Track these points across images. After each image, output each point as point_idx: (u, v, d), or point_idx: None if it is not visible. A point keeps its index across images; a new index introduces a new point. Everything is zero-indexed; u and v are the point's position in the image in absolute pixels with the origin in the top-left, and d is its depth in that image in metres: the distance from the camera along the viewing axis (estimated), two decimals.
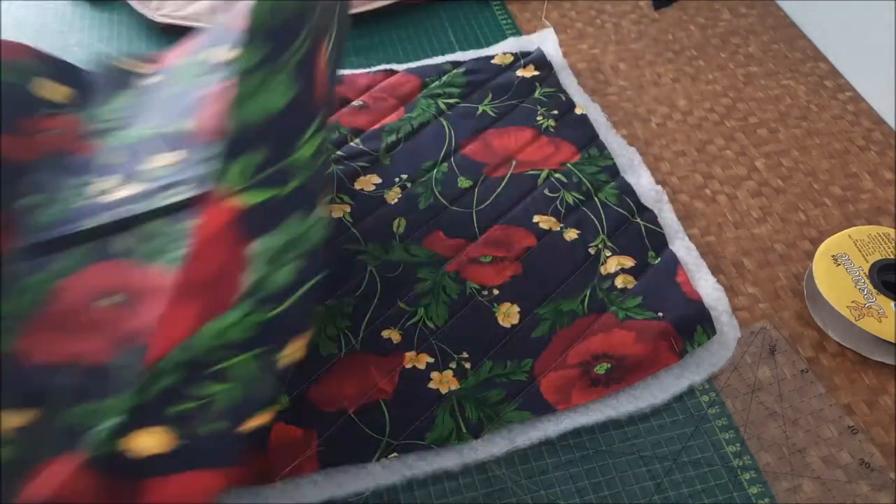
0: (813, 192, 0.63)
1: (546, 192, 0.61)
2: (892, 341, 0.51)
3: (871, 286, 0.53)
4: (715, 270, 0.57)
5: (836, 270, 0.54)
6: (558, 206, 0.60)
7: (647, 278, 0.55)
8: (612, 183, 0.61)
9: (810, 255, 0.57)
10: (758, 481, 0.47)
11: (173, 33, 0.76)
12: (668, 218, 0.60)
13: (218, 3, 0.75)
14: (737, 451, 0.48)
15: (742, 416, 0.50)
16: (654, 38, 0.77)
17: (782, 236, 0.60)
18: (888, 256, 0.55)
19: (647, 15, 0.80)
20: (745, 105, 0.71)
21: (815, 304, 0.55)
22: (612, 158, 0.63)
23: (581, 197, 0.60)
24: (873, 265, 0.54)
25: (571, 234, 0.58)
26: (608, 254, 0.57)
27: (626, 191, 0.61)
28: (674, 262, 0.56)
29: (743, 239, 0.60)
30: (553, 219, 0.59)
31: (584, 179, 0.61)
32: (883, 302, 0.52)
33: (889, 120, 0.68)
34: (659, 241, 0.58)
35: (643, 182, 0.62)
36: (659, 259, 0.57)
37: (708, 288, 0.55)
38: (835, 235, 0.57)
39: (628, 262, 0.56)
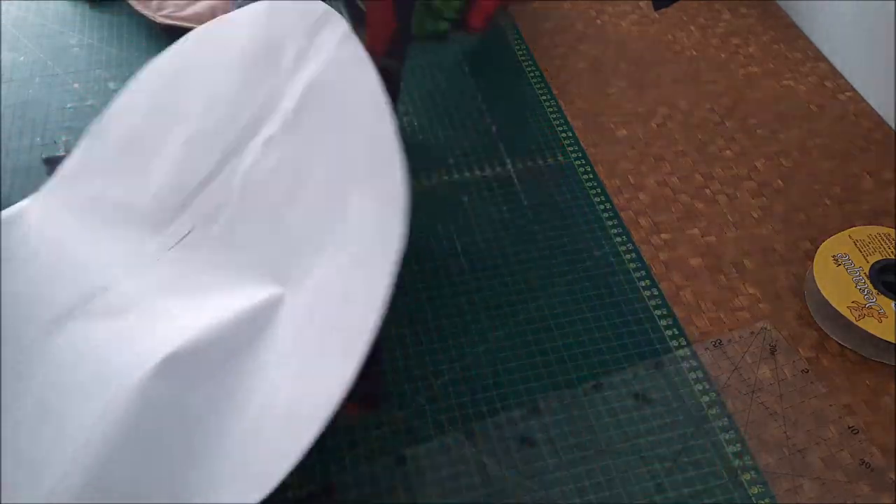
0: (813, 193, 0.63)
1: None
2: (893, 341, 0.51)
3: (871, 286, 0.53)
4: (715, 271, 0.57)
5: (837, 271, 0.54)
6: None
7: None
8: None
9: (810, 256, 0.57)
10: (758, 482, 0.47)
11: (174, 34, 0.76)
12: None
13: (218, 4, 0.75)
14: (737, 451, 0.48)
15: (742, 416, 0.50)
16: (654, 39, 0.77)
17: (783, 236, 0.60)
18: (888, 256, 0.55)
19: (647, 15, 0.80)
20: (745, 105, 0.71)
21: (815, 305, 0.55)
22: None
23: None
24: (873, 265, 0.54)
25: None
26: None
27: None
28: None
29: (743, 239, 0.60)
30: None
31: None
32: (883, 302, 0.52)
33: (889, 120, 0.68)
34: None
35: None
36: None
37: None
38: (835, 236, 0.57)
39: None
